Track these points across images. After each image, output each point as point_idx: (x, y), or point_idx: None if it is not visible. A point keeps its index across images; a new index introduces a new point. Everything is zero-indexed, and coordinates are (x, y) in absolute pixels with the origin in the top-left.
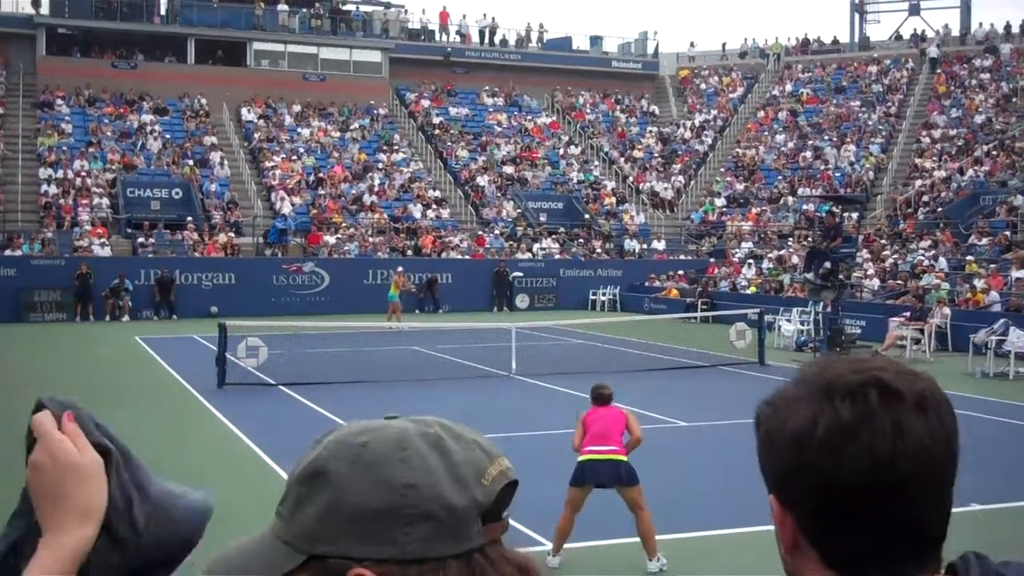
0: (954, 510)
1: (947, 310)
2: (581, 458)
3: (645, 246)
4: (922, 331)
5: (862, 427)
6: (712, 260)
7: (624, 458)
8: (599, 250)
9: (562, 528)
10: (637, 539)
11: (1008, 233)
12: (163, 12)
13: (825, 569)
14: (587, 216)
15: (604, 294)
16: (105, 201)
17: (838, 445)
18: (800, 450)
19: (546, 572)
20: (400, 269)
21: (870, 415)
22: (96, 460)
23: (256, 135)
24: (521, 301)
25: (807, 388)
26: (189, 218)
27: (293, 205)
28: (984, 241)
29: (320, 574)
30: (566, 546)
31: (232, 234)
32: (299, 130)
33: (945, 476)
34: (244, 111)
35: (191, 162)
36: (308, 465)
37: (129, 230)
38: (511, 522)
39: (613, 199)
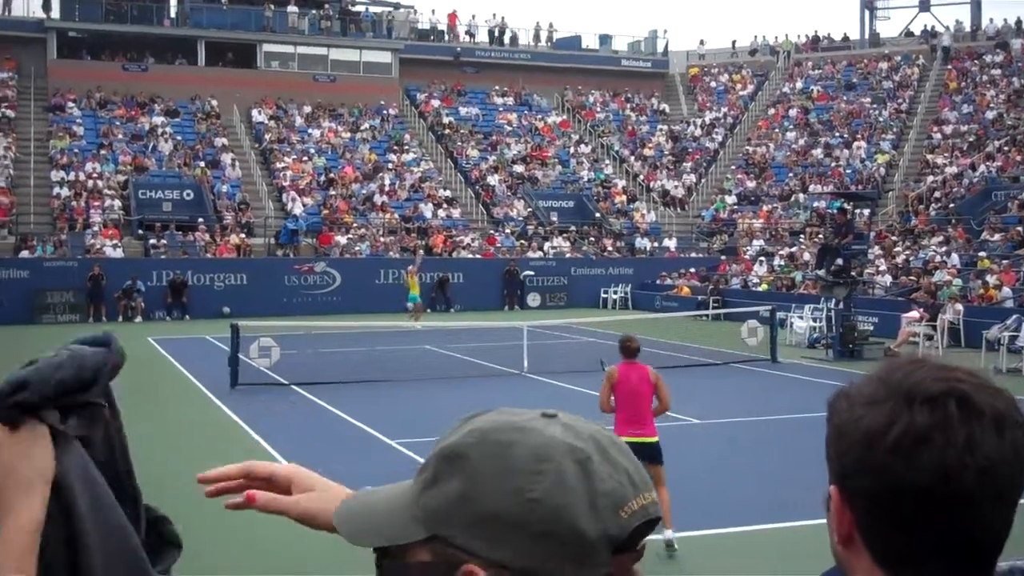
0: None
1: (960, 306)
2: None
3: (656, 244)
4: (935, 327)
5: (936, 436)
6: (723, 258)
7: (656, 439)
8: (610, 248)
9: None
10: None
11: (1020, 228)
12: (173, 15)
13: (875, 566)
14: (598, 215)
15: (615, 292)
16: (117, 203)
17: (910, 449)
18: (871, 448)
19: None
20: (411, 267)
21: (946, 425)
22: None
23: (267, 136)
24: (532, 300)
25: (887, 389)
26: (201, 219)
27: (304, 206)
28: (996, 237)
29: (438, 556)
30: None
31: (244, 235)
32: (310, 131)
33: (1011, 495)
34: (255, 112)
35: (202, 164)
36: (450, 445)
37: (141, 232)
38: None
39: (624, 197)
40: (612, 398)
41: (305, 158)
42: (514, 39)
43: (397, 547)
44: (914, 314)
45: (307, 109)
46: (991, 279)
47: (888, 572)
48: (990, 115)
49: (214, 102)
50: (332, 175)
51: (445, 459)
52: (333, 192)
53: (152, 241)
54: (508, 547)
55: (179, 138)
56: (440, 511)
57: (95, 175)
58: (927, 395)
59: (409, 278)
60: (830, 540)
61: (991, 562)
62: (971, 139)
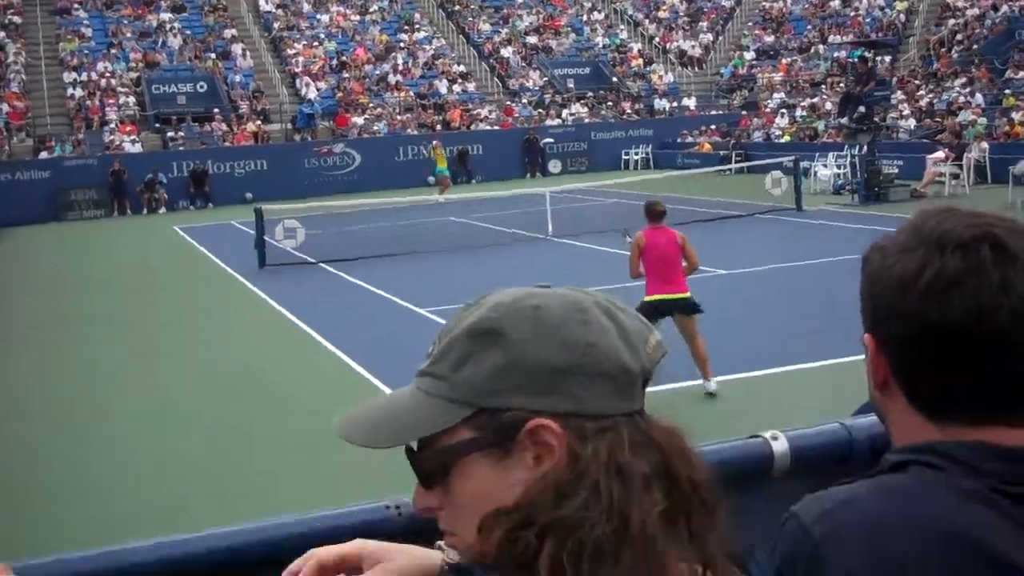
0: None
1: (985, 144)
2: (648, 298)
3: (675, 104)
4: (960, 166)
5: (969, 278)
6: (744, 113)
7: (689, 294)
8: (629, 111)
9: (700, 352)
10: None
11: None
12: None
13: (911, 409)
14: (615, 79)
15: (636, 153)
16: (131, 99)
17: (942, 292)
18: (904, 293)
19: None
20: (436, 142)
21: (979, 268)
22: None
23: (276, 24)
24: (554, 166)
25: (919, 237)
26: (216, 110)
27: (319, 90)
28: (1021, 75)
29: (488, 427)
30: None
31: (260, 122)
32: (318, 16)
33: None
34: (262, 2)
35: (213, 56)
36: (477, 323)
37: (158, 126)
38: None
39: (640, 61)
40: (641, 264)
41: (316, 43)
42: None
43: (428, 438)
44: (939, 154)
45: None
46: (1016, 116)
47: (924, 413)
48: None
49: None
50: (344, 58)
51: (475, 336)
52: (346, 75)
53: (170, 134)
54: (568, 395)
55: (188, 32)
56: (485, 384)
57: (107, 74)
58: (959, 241)
59: (435, 152)
60: (868, 386)
61: None
62: None
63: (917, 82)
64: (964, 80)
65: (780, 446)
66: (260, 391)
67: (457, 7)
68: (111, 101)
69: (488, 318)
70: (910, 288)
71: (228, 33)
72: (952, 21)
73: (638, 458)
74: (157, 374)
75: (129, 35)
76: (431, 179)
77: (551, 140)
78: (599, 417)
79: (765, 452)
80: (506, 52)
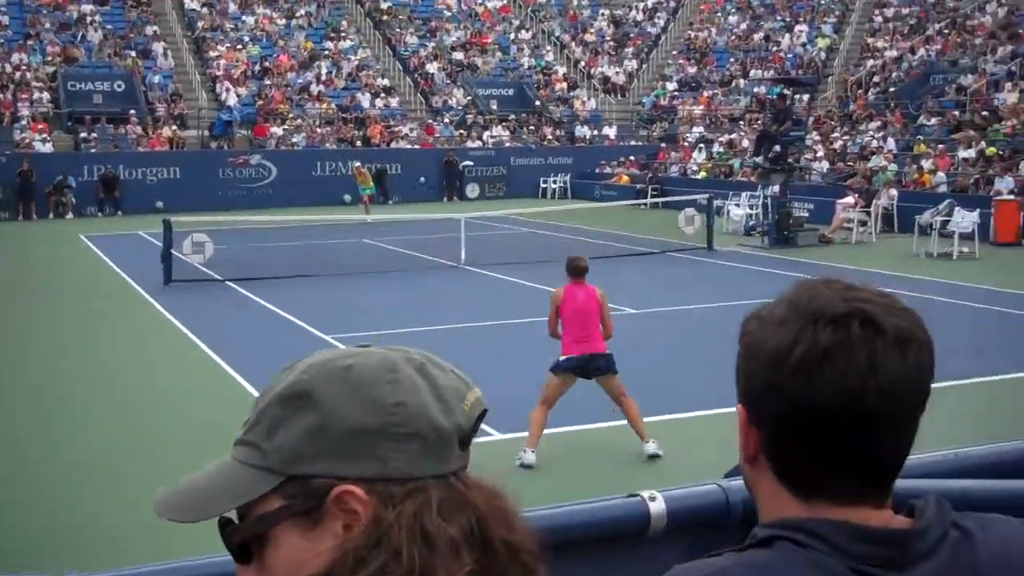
0: None
1: (894, 191)
2: (563, 357)
3: (596, 132)
4: (869, 213)
5: (838, 355)
6: (663, 145)
7: (607, 351)
8: (550, 137)
9: (539, 419)
10: (610, 423)
11: (956, 113)
12: None
13: (779, 484)
14: (538, 103)
15: (555, 182)
16: (46, 96)
17: (812, 369)
18: (776, 368)
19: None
20: (357, 164)
21: (848, 345)
22: None
23: (200, 24)
24: (472, 191)
25: (794, 310)
26: (132, 111)
27: (239, 96)
28: (933, 121)
29: (298, 495)
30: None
31: (176, 127)
32: (244, 18)
33: (911, 415)
34: None
35: (133, 53)
36: (288, 388)
37: (71, 125)
38: None
39: (564, 85)
40: (560, 322)
41: (239, 46)
42: None
43: (244, 509)
44: (849, 200)
45: None
46: (926, 164)
47: (791, 490)
48: None
49: None
50: (267, 64)
51: (285, 401)
52: (268, 82)
53: (83, 135)
54: (376, 459)
55: (109, 27)
56: (295, 450)
57: (22, 66)
58: (832, 315)
59: (358, 174)
60: (739, 459)
61: (891, 480)
62: (912, 22)
63: (833, 123)
64: (878, 124)
65: (657, 507)
66: (149, 410)
67: (385, 16)
68: (24, 96)
69: (299, 381)
70: (782, 363)
71: (150, 30)
72: (871, 62)
73: (448, 521)
74: (44, 392)
75: (48, 26)
76: (347, 197)
77: (471, 163)
78: (407, 480)
79: (642, 512)
80: (431, 67)
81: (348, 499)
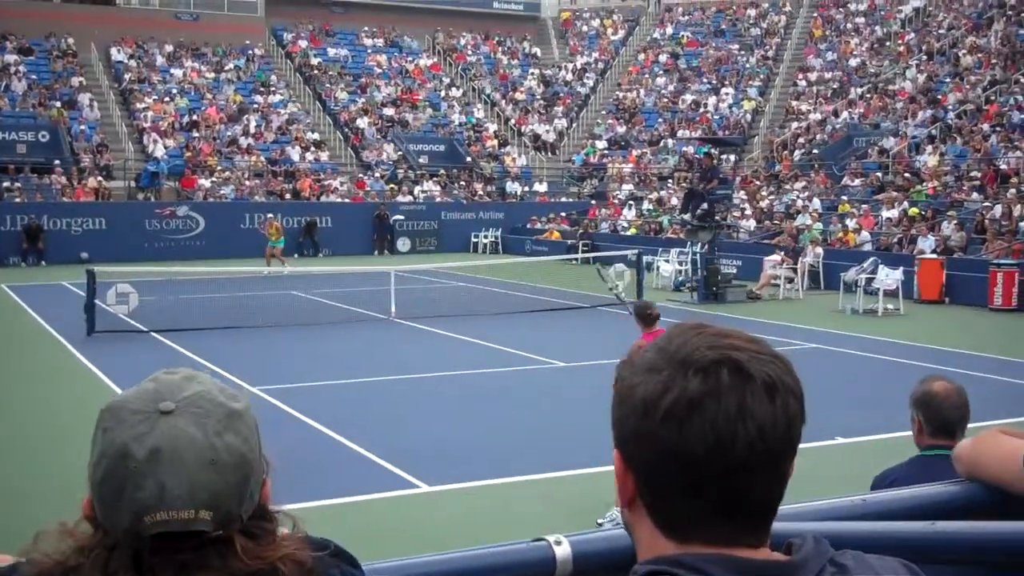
0: (820, 443)
1: (820, 249)
2: None
3: (527, 188)
4: (795, 270)
5: (708, 403)
6: (593, 202)
7: None
8: (481, 192)
9: None
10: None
11: (880, 174)
12: None
13: (656, 529)
14: (469, 159)
15: (486, 236)
16: None
17: (682, 417)
18: (646, 416)
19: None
20: (270, 217)
21: (717, 393)
22: None
23: (127, 76)
24: (403, 244)
25: (664, 357)
26: (57, 161)
27: (166, 148)
28: (857, 182)
29: None
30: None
31: (102, 178)
32: (172, 71)
33: (782, 459)
34: (114, 51)
35: (58, 104)
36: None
37: None
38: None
39: (495, 141)
40: None
41: (167, 99)
42: None
43: None
44: (775, 257)
45: (169, 48)
46: (851, 223)
47: (667, 534)
48: (853, 63)
49: (71, 40)
50: (195, 116)
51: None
52: (197, 134)
53: (6, 184)
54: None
55: (34, 77)
56: None
57: None
58: (701, 363)
59: (270, 228)
60: (616, 503)
61: (766, 523)
62: (835, 86)
63: (759, 183)
64: (803, 183)
65: (563, 551)
66: (66, 460)
67: (315, 72)
68: None
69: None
70: (652, 411)
71: (76, 81)
72: (795, 124)
73: None
74: None
75: None
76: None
77: (401, 217)
78: None
79: (548, 556)
80: (362, 123)
81: None
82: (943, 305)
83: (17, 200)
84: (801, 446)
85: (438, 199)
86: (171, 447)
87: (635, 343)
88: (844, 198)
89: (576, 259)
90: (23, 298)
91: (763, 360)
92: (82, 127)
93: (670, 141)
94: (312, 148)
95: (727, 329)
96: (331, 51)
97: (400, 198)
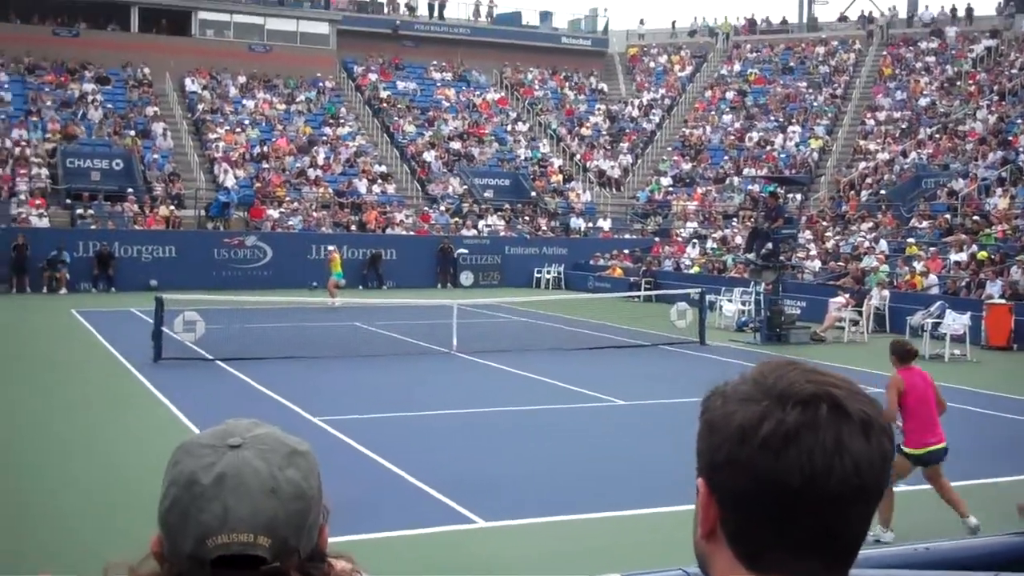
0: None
1: (886, 292)
2: (913, 452)
3: (591, 224)
4: (861, 312)
5: (806, 435)
6: (657, 239)
7: (945, 444)
8: (545, 228)
9: (890, 498)
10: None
11: (948, 216)
12: None
13: (736, 561)
14: (533, 193)
15: (549, 272)
16: (44, 171)
17: (779, 447)
18: (743, 443)
19: None
20: (333, 248)
21: (816, 426)
22: None
23: (200, 106)
24: (466, 278)
25: (761, 389)
26: (130, 190)
27: (236, 178)
28: (925, 224)
29: None
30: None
31: (173, 207)
32: (244, 102)
33: (873, 498)
34: (188, 81)
35: (133, 133)
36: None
37: (68, 201)
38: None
39: (560, 177)
40: (899, 410)
41: (238, 129)
42: (452, 14)
43: None
44: (840, 299)
45: (241, 79)
46: (918, 266)
47: (747, 567)
48: (923, 102)
49: (146, 70)
50: (265, 147)
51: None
52: (266, 165)
53: (79, 211)
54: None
55: (109, 106)
56: None
57: (22, 142)
58: (799, 396)
59: (331, 259)
60: (693, 534)
61: (850, 560)
62: (903, 126)
63: (825, 223)
64: (871, 224)
65: None
66: (129, 488)
67: (384, 105)
68: (23, 171)
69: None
70: (748, 439)
71: (151, 110)
72: (863, 164)
73: None
74: (26, 469)
75: (49, 103)
76: (314, 284)
77: (465, 251)
78: None
79: None
80: (429, 156)
81: None
82: (1011, 352)
83: (91, 227)
84: None
85: (502, 233)
86: (236, 473)
87: (892, 379)
88: (911, 240)
89: (638, 297)
90: (92, 323)
91: (859, 399)
92: (155, 156)
93: (736, 179)
94: (379, 180)
95: (819, 367)
96: (400, 84)
97: (464, 232)
